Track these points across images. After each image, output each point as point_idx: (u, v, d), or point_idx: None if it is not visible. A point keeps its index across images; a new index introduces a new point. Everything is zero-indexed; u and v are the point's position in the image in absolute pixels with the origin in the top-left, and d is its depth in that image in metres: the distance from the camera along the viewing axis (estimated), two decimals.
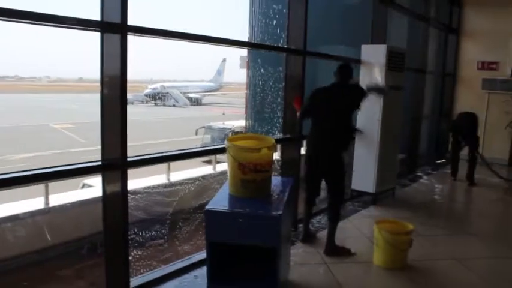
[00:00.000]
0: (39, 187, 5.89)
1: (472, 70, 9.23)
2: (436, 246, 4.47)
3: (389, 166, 5.89)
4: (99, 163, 2.95)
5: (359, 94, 4.20)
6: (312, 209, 4.45)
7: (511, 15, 8.63)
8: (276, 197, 3.13)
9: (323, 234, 4.36)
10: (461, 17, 9.35)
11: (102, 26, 2.80)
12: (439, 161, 8.64)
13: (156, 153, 3.43)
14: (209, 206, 2.85)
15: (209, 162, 9.94)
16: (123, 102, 2.88)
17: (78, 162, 3.02)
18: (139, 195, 6.42)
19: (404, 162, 7.79)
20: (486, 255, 4.39)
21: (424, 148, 9.01)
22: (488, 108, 8.87)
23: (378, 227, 3.92)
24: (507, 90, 8.62)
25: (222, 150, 3.65)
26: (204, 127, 18.00)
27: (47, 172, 2.75)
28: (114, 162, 2.92)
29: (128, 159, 2.96)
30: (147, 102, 37.15)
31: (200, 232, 6.05)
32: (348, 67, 4.23)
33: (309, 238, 4.37)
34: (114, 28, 2.79)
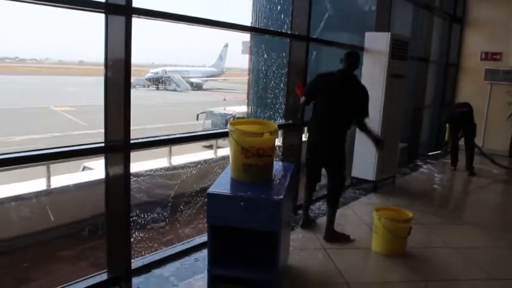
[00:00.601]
0: (41, 169, 5.93)
1: (475, 60, 9.20)
2: (435, 235, 4.51)
3: (390, 154, 5.90)
4: (103, 145, 2.96)
5: (362, 96, 4.11)
6: (312, 195, 4.45)
7: None
8: (278, 181, 3.15)
9: (322, 221, 4.39)
10: (466, 7, 9.30)
11: (106, 8, 2.79)
12: (433, 153, 8.57)
13: (159, 136, 3.45)
14: (211, 189, 2.87)
15: (210, 147, 9.99)
16: (127, 84, 2.88)
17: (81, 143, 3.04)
18: (141, 177, 6.45)
19: (405, 151, 7.80)
20: (483, 244, 4.43)
21: (425, 138, 9.04)
22: (490, 99, 8.86)
23: (378, 214, 3.94)
24: (510, 81, 8.61)
25: (224, 135, 3.65)
26: (205, 112, 17.96)
27: (51, 152, 2.75)
28: (118, 144, 2.93)
29: (131, 142, 2.97)
30: (148, 87, 37.07)
31: (201, 215, 6.09)
32: (356, 54, 4.18)
33: (308, 224, 4.39)
34: (119, 10, 2.78)
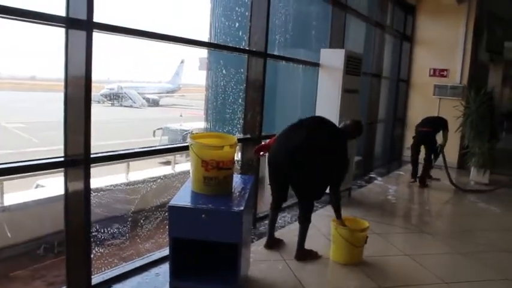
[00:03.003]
0: None
1: (424, 76, 9.64)
2: (390, 243, 4.67)
3: None
4: (62, 159, 2.94)
5: (339, 158, 3.99)
6: (277, 215, 4.36)
7: (460, 25, 9.08)
8: (238, 194, 3.21)
9: (281, 232, 4.47)
10: (415, 26, 9.75)
11: (67, 22, 2.80)
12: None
13: (119, 150, 3.45)
14: (172, 202, 2.90)
15: (166, 163, 9.95)
16: (88, 98, 2.89)
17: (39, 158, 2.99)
18: (101, 192, 6.35)
19: (360, 164, 8.04)
20: (436, 251, 4.63)
21: (379, 151, 9.33)
22: (439, 113, 9.24)
23: (335, 224, 4.06)
24: (457, 96, 9.05)
25: (184, 149, 3.69)
26: (161, 128, 17.78)
27: (8, 167, 2.71)
28: (78, 158, 2.92)
29: (92, 156, 2.97)
30: (103, 103, 36.34)
31: (161, 230, 6.06)
32: (362, 128, 4.27)
33: (273, 244, 4.28)
34: (80, 25, 2.79)
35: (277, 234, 4.53)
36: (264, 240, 4.40)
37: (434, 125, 7.40)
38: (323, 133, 3.98)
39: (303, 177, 3.88)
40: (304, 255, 4.03)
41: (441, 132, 7.39)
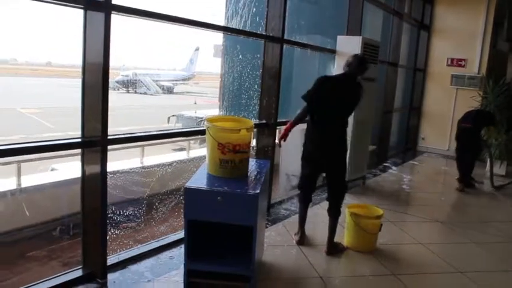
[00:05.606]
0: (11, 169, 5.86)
1: (441, 66, 9.51)
2: (404, 232, 4.65)
3: (360, 156, 6.03)
4: (79, 140, 2.96)
5: (359, 98, 3.93)
6: (307, 208, 4.14)
7: (480, 14, 8.93)
8: (253, 177, 3.21)
9: (294, 219, 4.45)
10: (433, 15, 9.60)
11: (86, 3, 2.80)
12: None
13: (136, 132, 3.47)
14: (188, 184, 2.90)
15: (180, 150, 10.01)
16: (105, 79, 2.90)
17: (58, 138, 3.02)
18: (117, 174, 6.41)
19: (374, 153, 7.99)
20: (451, 240, 4.60)
21: (394, 140, 9.27)
22: (456, 104, 9.16)
23: (349, 210, 4.05)
24: (474, 86, 8.92)
25: (201, 132, 3.70)
26: (175, 115, 17.86)
27: (28, 146, 2.74)
28: (95, 139, 2.93)
29: (109, 137, 2.99)
30: (118, 89, 36.53)
31: (176, 213, 6.09)
32: (367, 60, 4.02)
33: (305, 239, 4.12)
34: (99, 6, 2.79)
35: (291, 224, 4.52)
36: (277, 226, 4.43)
37: (477, 119, 6.61)
38: (350, 99, 3.89)
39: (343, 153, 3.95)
40: (336, 249, 3.99)
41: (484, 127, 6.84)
